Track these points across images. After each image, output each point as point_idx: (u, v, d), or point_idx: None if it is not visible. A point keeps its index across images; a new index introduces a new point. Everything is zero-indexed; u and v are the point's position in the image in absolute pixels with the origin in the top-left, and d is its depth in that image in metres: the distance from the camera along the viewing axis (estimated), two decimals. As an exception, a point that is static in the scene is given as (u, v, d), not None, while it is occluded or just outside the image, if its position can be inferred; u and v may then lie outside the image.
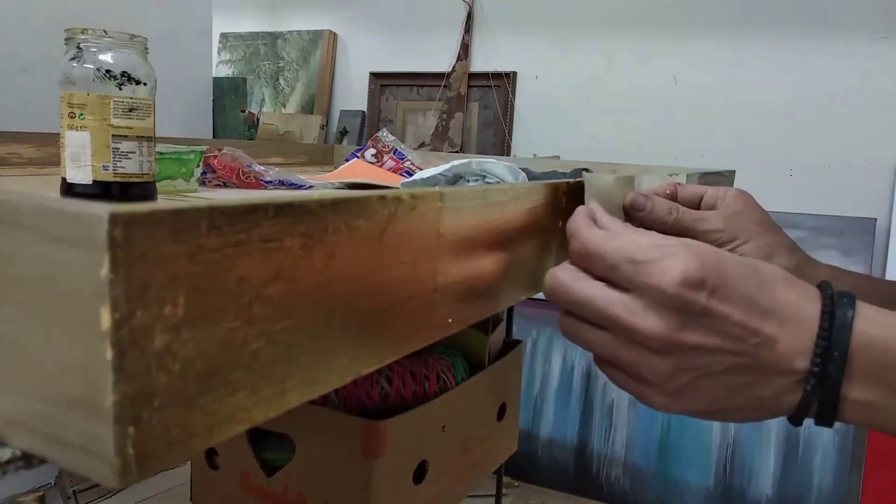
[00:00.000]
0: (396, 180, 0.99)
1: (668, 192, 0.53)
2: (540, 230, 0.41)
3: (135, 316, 0.17)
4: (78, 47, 0.57)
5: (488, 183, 0.72)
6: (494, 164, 0.73)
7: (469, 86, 2.11)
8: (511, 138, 2.08)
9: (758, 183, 1.79)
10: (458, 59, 2.11)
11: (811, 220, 1.75)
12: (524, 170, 0.80)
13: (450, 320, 0.31)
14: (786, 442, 1.69)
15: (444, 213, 0.30)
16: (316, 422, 0.83)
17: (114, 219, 0.16)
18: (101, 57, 0.57)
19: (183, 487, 1.39)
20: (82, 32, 0.57)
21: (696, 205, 0.54)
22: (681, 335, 0.32)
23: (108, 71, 0.57)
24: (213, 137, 1.90)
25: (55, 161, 0.92)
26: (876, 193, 1.71)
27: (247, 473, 0.90)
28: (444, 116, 2.13)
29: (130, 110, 0.58)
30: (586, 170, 1.02)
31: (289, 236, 0.21)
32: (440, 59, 2.15)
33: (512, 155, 2.04)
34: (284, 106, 2.33)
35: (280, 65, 2.35)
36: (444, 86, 2.12)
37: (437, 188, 0.29)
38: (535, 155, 1.99)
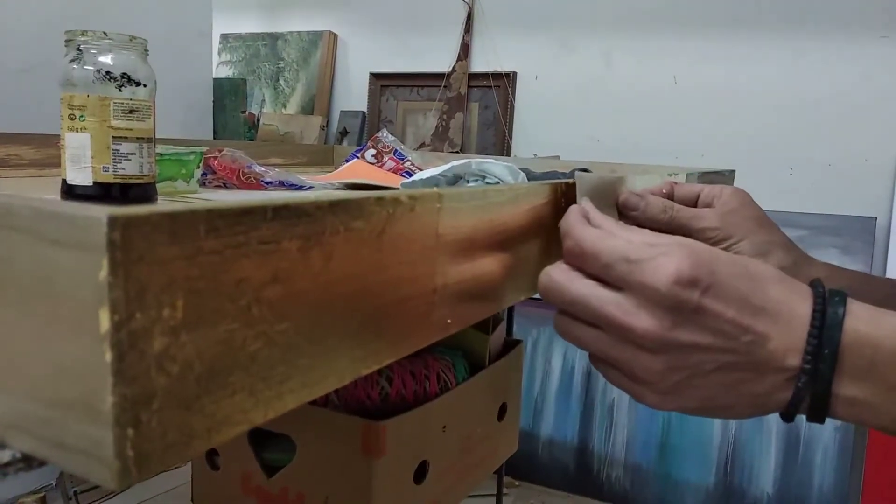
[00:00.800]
0: (396, 181, 0.99)
1: (664, 191, 0.54)
2: (539, 230, 0.41)
3: (134, 318, 0.17)
4: (78, 49, 0.57)
5: (488, 183, 0.72)
6: (494, 165, 0.73)
7: (469, 86, 2.11)
8: (511, 138, 2.08)
9: (758, 182, 1.79)
10: (459, 59, 2.11)
11: (811, 219, 1.75)
12: (524, 170, 0.80)
13: (449, 321, 0.31)
14: (786, 440, 1.69)
15: (442, 214, 0.30)
16: (316, 422, 0.83)
17: (112, 221, 0.16)
18: (102, 59, 0.57)
19: (184, 488, 1.39)
20: (82, 34, 0.57)
21: (693, 203, 0.54)
22: (674, 333, 0.32)
23: (108, 72, 0.57)
24: (214, 138, 1.90)
25: (55, 163, 0.92)
26: (876, 192, 1.71)
27: (247, 474, 0.90)
28: (445, 117, 2.13)
29: (130, 112, 0.58)
30: (585, 170, 1.02)
31: (287, 238, 0.21)
32: (440, 60, 2.15)
33: (512, 155, 2.04)
34: (285, 107, 2.33)
35: (280, 65, 2.35)
36: (445, 86, 2.13)
37: (435, 189, 0.29)
38: (535, 155, 1.99)
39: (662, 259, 0.32)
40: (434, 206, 0.29)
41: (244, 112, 2.03)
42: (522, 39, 2.07)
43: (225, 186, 0.86)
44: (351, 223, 0.24)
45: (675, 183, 0.55)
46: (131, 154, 0.59)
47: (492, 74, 2.07)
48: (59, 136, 0.59)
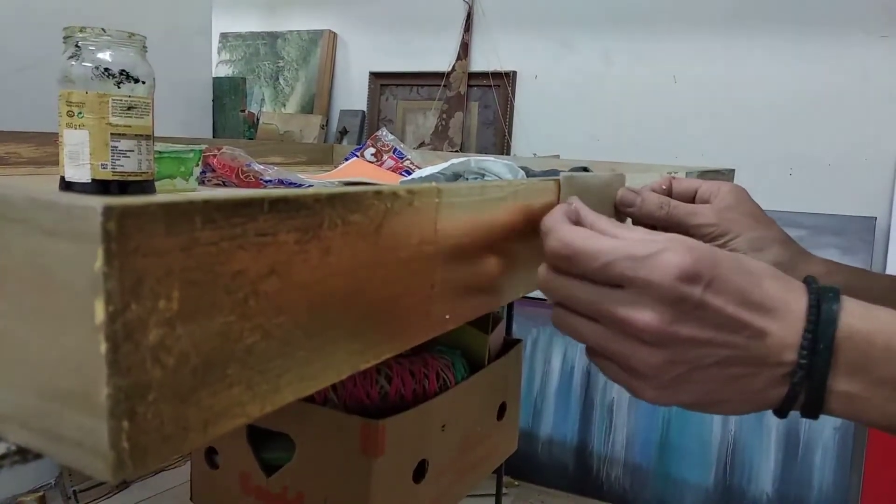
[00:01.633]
0: (396, 179, 0.99)
1: (664, 186, 0.54)
2: (537, 226, 0.41)
3: (129, 309, 0.17)
4: (76, 46, 0.57)
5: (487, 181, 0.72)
6: (493, 163, 0.73)
7: (469, 85, 2.11)
8: (511, 138, 2.08)
9: (757, 181, 1.79)
10: (458, 58, 2.11)
11: (811, 218, 1.74)
12: (523, 168, 0.80)
13: (447, 316, 0.31)
14: (786, 440, 1.69)
15: (441, 209, 0.30)
16: (315, 421, 0.83)
17: (108, 212, 0.16)
18: (100, 55, 0.57)
19: (183, 487, 1.39)
20: (80, 31, 0.57)
21: (691, 199, 0.54)
22: (675, 328, 0.32)
23: (106, 69, 0.57)
24: (213, 137, 1.90)
25: (54, 160, 0.92)
26: (876, 192, 1.71)
27: (246, 473, 0.90)
28: (444, 116, 2.13)
29: (129, 109, 0.58)
30: (585, 168, 1.02)
31: (284, 231, 0.21)
32: (440, 59, 2.15)
33: (512, 154, 2.04)
34: (284, 106, 2.33)
35: (280, 64, 2.35)
36: (444, 85, 2.12)
37: (434, 184, 0.29)
38: (535, 154, 1.99)
39: (666, 255, 0.32)
40: (433, 201, 0.29)
41: (244, 111, 2.03)
42: (522, 39, 2.07)
43: (224, 185, 0.86)
44: (349, 217, 0.24)
45: (674, 178, 0.55)
46: (130, 151, 0.59)
47: (491, 74, 2.07)
48: (57, 133, 0.59)
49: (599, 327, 0.34)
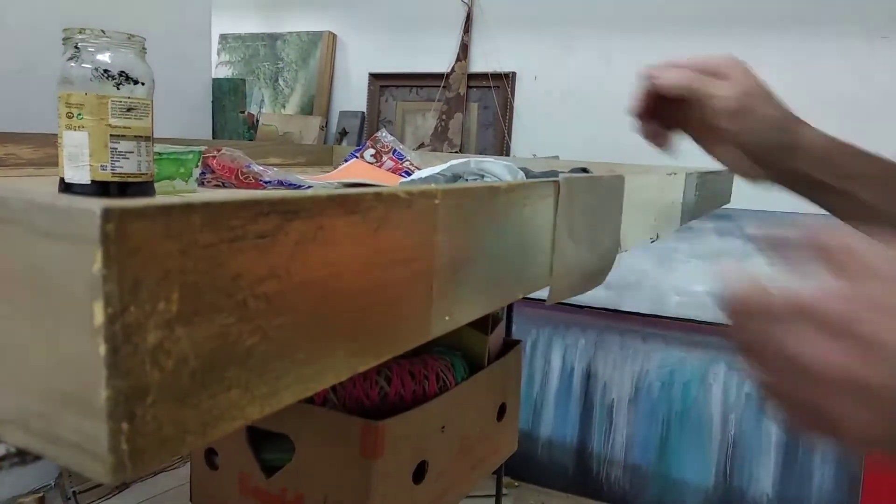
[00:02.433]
0: (395, 180, 0.99)
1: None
2: (536, 228, 0.41)
3: (128, 311, 0.17)
4: (76, 47, 0.57)
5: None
6: (493, 164, 0.73)
7: (468, 86, 2.11)
8: (510, 139, 2.08)
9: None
10: (458, 59, 2.11)
11: (812, 219, 1.74)
12: (523, 169, 0.80)
13: (447, 318, 0.31)
14: (786, 442, 1.69)
15: (440, 210, 0.30)
16: (315, 422, 0.83)
17: (107, 214, 0.16)
18: (99, 57, 0.57)
19: (183, 488, 1.39)
20: (80, 32, 0.57)
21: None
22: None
23: (105, 70, 0.57)
24: (213, 138, 1.90)
25: (53, 162, 0.92)
26: (875, 193, 1.71)
27: (246, 474, 0.90)
28: (444, 117, 2.13)
29: (128, 110, 0.58)
30: (584, 169, 1.02)
31: (283, 233, 0.21)
32: (439, 60, 2.15)
33: (511, 155, 2.04)
34: (284, 107, 2.33)
35: (279, 66, 2.35)
36: (444, 86, 2.12)
37: (433, 185, 0.29)
38: (534, 155, 1.99)
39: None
40: (432, 202, 0.29)
41: (243, 112, 2.03)
42: (522, 40, 2.07)
43: (223, 186, 0.86)
44: (348, 218, 0.24)
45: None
46: (129, 152, 0.59)
47: (491, 75, 2.07)
48: (56, 135, 0.59)
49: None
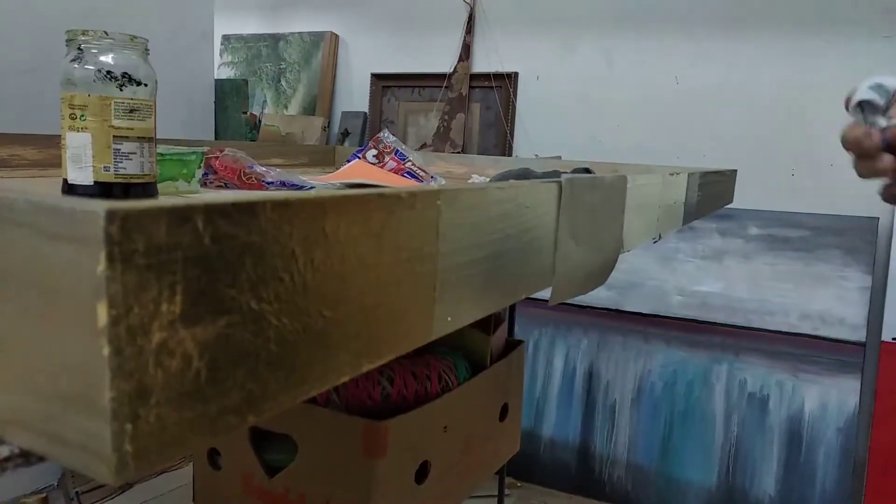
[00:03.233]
0: (398, 181, 0.99)
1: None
2: (538, 228, 0.41)
3: (132, 312, 0.17)
4: (79, 49, 0.57)
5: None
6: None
7: (470, 87, 2.11)
8: (513, 139, 2.08)
9: (760, 182, 1.79)
10: (460, 59, 2.12)
11: (813, 219, 1.74)
12: (524, 170, 0.80)
13: (449, 318, 0.31)
14: (789, 441, 1.68)
15: (443, 211, 0.30)
16: (317, 422, 0.83)
17: (110, 215, 0.16)
18: (102, 58, 0.57)
19: (186, 489, 1.39)
20: (83, 34, 0.57)
21: None
22: None
23: (108, 72, 0.57)
24: (215, 139, 1.90)
25: (57, 163, 0.92)
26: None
27: (249, 474, 0.90)
28: (446, 117, 2.13)
29: (131, 111, 0.58)
30: (587, 169, 1.02)
31: (286, 234, 0.21)
32: (442, 61, 2.15)
33: (513, 155, 2.04)
34: (286, 107, 2.34)
35: (282, 66, 2.35)
36: (446, 87, 2.13)
37: (435, 186, 0.29)
38: (536, 155, 1.99)
39: None
40: (434, 203, 0.29)
41: (246, 113, 2.03)
42: (524, 40, 2.07)
43: (226, 186, 0.86)
44: (352, 219, 0.24)
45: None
46: (132, 153, 0.59)
47: (493, 75, 2.07)
48: (60, 136, 0.59)
49: None
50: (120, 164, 0.58)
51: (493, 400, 1.06)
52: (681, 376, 1.81)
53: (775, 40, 1.80)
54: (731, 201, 1.29)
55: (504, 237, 0.36)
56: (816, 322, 1.70)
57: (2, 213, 0.18)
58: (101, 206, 0.16)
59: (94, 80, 0.57)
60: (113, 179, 0.58)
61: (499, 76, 2.07)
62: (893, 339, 1.66)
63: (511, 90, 2.06)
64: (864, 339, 1.67)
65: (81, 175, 0.58)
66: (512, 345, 1.15)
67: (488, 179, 0.73)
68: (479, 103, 2.12)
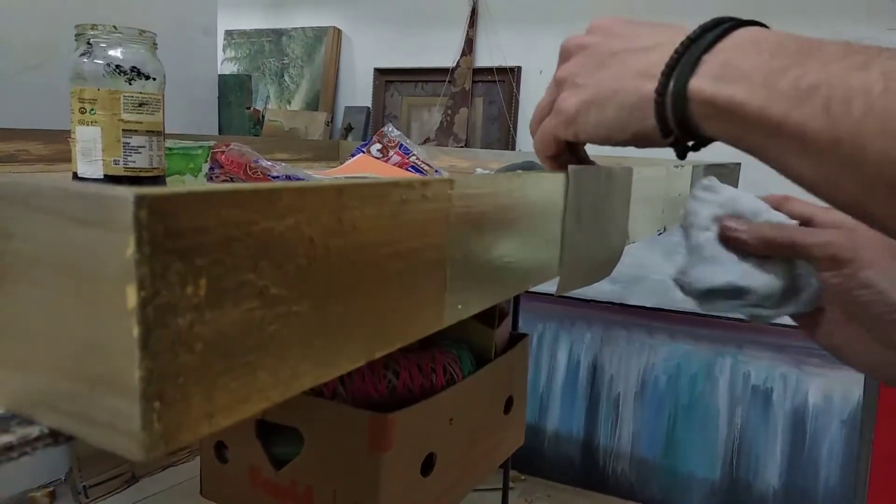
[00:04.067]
0: (402, 175, 1.00)
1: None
2: (546, 218, 0.42)
3: (160, 295, 0.17)
4: (88, 43, 0.57)
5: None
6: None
7: (474, 81, 2.11)
8: (516, 133, 2.08)
9: (763, 177, 1.78)
10: (463, 54, 2.12)
11: (817, 212, 1.74)
12: (529, 163, 0.81)
13: (459, 306, 0.32)
14: (792, 435, 1.69)
15: (454, 200, 0.30)
16: (324, 415, 0.84)
17: (139, 200, 0.17)
18: (111, 52, 0.58)
19: (192, 482, 1.40)
20: (92, 28, 0.57)
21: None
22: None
23: (118, 66, 0.57)
24: (219, 134, 1.91)
25: (64, 158, 0.93)
26: (882, 186, 1.71)
27: (256, 467, 0.90)
28: (449, 112, 2.13)
29: (140, 105, 0.59)
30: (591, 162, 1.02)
31: (305, 221, 0.22)
32: (444, 55, 2.15)
33: (517, 150, 2.05)
34: (289, 103, 2.34)
35: (285, 62, 2.36)
36: (449, 81, 2.13)
37: (447, 175, 0.30)
38: (539, 150, 1.99)
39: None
40: (446, 192, 0.29)
41: (249, 108, 2.04)
42: (527, 34, 2.07)
43: (232, 181, 0.87)
44: (366, 207, 0.25)
45: (787, 197, 0.52)
46: (141, 147, 0.59)
47: (496, 69, 2.08)
48: (67, 131, 0.59)
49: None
50: (129, 158, 0.59)
51: (498, 393, 1.07)
52: (685, 370, 1.81)
53: (778, 34, 1.80)
54: (734, 194, 1.29)
55: (514, 226, 0.37)
56: (820, 315, 1.70)
57: (29, 200, 0.19)
58: (129, 191, 0.17)
59: (104, 75, 0.57)
60: (122, 173, 0.59)
61: (502, 70, 2.07)
62: (897, 331, 1.66)
63: (514, 84, 2.06)
64: (867, 332, 1.66)
65: (91, 168, 0.59)
66: (516, 338, 1.15)
67: (493, 173, 0.73)
68: (482, 98, 2.12)
